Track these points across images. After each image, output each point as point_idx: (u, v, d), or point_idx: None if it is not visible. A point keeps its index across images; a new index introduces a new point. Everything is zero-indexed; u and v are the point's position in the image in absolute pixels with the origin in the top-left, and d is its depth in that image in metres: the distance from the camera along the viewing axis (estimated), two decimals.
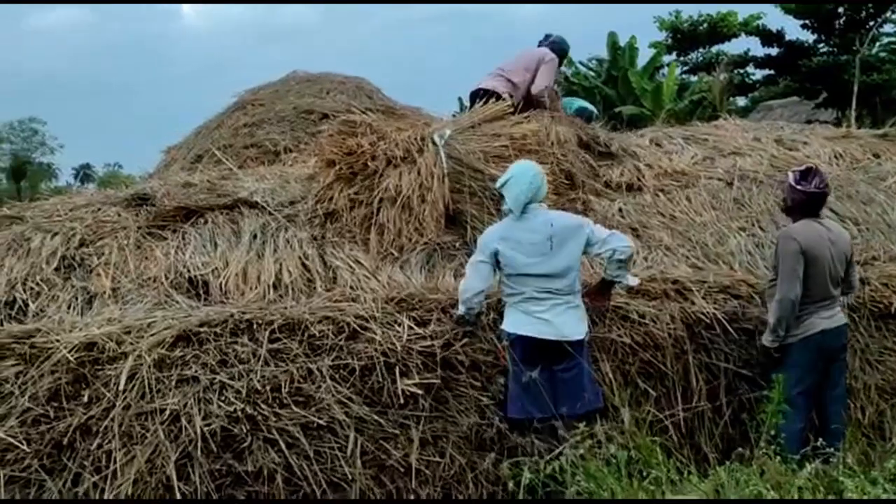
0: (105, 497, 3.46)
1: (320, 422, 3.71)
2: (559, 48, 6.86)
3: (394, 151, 5.20)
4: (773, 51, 21.00)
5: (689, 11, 25.06)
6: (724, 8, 24.19)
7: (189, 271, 4.73)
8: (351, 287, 4.63)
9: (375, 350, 3.93)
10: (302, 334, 3.98)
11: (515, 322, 4.03)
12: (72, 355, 3.78)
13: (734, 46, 24.09)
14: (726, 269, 5.10)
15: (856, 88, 16.86)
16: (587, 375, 3.97)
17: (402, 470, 3.77)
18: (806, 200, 4.37)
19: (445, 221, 5.12)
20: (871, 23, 19.11)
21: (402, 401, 3.86)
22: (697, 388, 4.38)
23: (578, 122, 6.38)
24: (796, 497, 3.17)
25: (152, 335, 3.92)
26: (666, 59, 23.47)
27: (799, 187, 4.36)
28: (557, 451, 3.53)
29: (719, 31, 23.89)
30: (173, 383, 3.73)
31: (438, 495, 3.80)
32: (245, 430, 3.63)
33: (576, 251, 4.05)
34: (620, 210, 5.68)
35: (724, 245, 5.39)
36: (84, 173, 58.04)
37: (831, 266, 4.30)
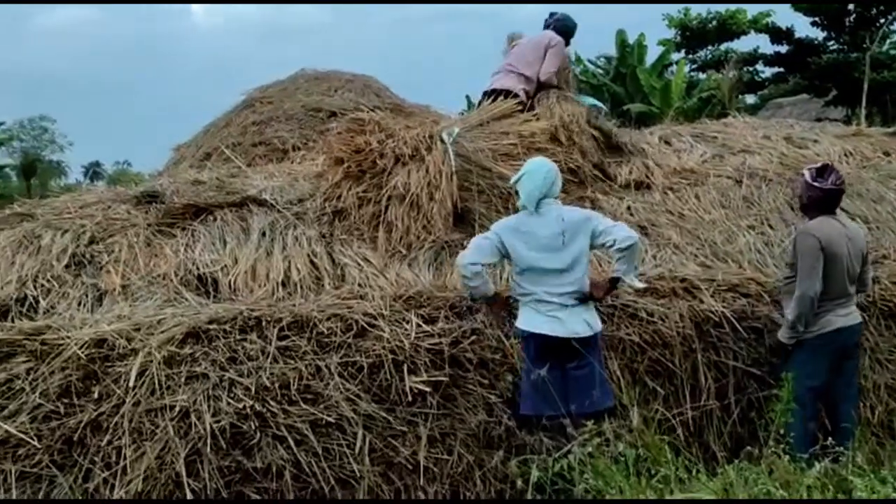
0: (115, 493, 3.48)
1: (329, 419, 3.72)
2: (563, 27, 6.64)
3: (402, 149, 5.20)
4: (783, 48, 20.93)
5: (699, 9, 24.98)
6: (733, 5, 24.10)
7: (198, 269, 4.75)
8: (359, 285, 4.64)
9: (383, 347, 3.94)
10: (310, 332, 4.00)
11: (528, 320, 4.03)
12: (82, 352, 3.80)
13: (743, 44, 24.06)
14: (735, 268, 5.08)
15: (866, 86, 16.78)
16: (598, 374, 3.96)
17: (410, 467, 3.78)
18: (823, 197, 4.35)
19: (453, 219, 5.12)
20: (882, 20, 19.01)
21: (409, 398, 3.87)
22: (706, 386, 4.37)
23: (592, 112, 6.28)
24: (805, 496, 3.16)
25: (162, 332, 3.93)
26: (675, 56, 23.44)
27: (815, 184, 4.35)
28: (566, 448, 3.52)
29: (728, 28, 23.81)
30: (183, 380, 3.74)
31: (446, 493, 3.81)
32: (254, 427, 3.64)
33: (584, 244, 4.05)
34: (629, 208, 5.67)
35: (733, 243, 5.37)
36: (93, 171, 58.27)
37: (849, 263, 4.29)
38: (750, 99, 23.82)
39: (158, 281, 4.63)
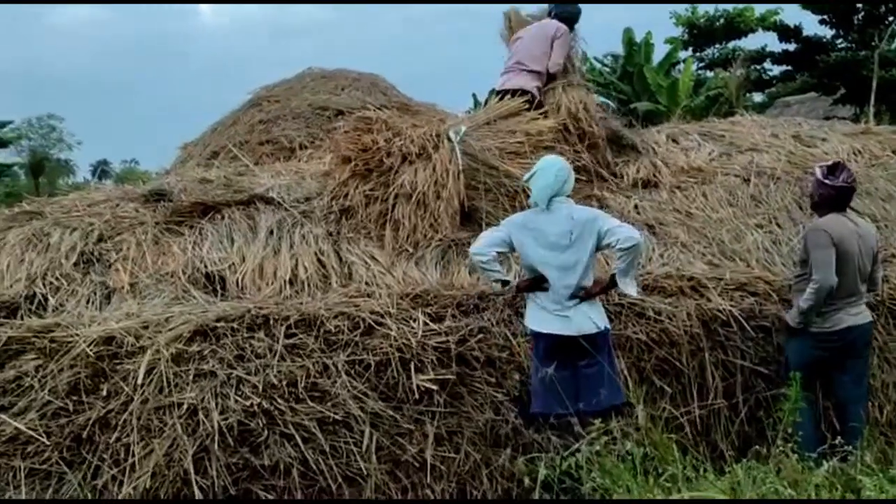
0: (124, 490, 3.49)
1: (336, 417, 3.73)
2: (568, 14, 6.54)
3: (409, 148, 5.21)
4: (791, 46, 20.82)
5: (706, 7, 24.92)
6: (741, 4, 24.02)
7: (206, 267, 4.76)
8: (366, 283, 4.65)
9: (390, 346, 3.95)
10: (318, 330, 4.01)
11: (536, 319, 4.02)
12: (91, 349, 3.83)
13: (751, 42, 23.97)
14: (743, 266, 5.07)
15: (874, 84, 16.67)
16: (607, 372, 3.96)
17: (417, 465, 3.78)
18: (834, 195, 4.34)
19: (460, 218, 5.12)
20: (891, 18, 18.90)
21: (417, 396, 3.87)
22: (713, 385, 4.36)
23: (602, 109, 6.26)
24: (813, 496, 3.15)
25: (170, 330, 3.95)
26: (682, 54, 23.37)
27: (827, 182, 4.33)
28: (574, 447, 3.52)
29: (736, 26, 23.74)
30: (191, 378, 3.76)
31: (453, 491, 3.81)
32: (261, 425, 3.65)
33: (589, 244, 4.03)
34: (636, 207, 5.66)
35: (741, 242, 5.36)
36: (101, 170, 58.44)
37: (860, 261, 4.28)
38: (757, 97, 23.70)
39: (166, 279, 4.65)
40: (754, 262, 5.17)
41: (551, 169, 4.13)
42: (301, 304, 4.23)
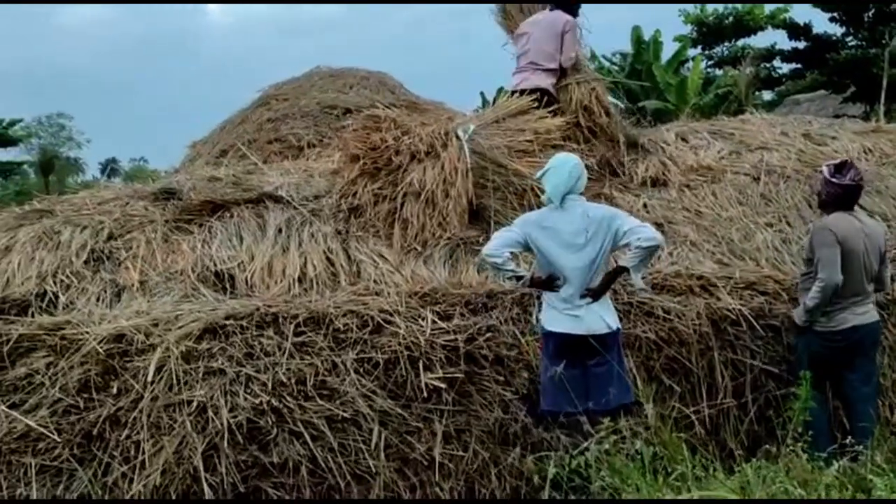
0: (134, 487, 3.51)
1: (345, 415, 3.74)
2: (569, 2, 6.35)
3: (417, 146, 5.21)
4: (801, 44, 20.73)
5: (715, 5, 24.82)
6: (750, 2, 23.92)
7: (215, 265, 4.78)
8: (375, 281, 4.66)
9: (399, 344, 3.95)
10: (326, 328, 4.02)
11: (547, 318, 4.01)
12: (101, 347, 3.85)
13: (760, 40, 23.88)
14: (752, 265, 5.05)
15: (885, 82, 16.55)
16: (617, 371, 3.94)
17: (425, 463, 3.79)
18: (841, 194, 4.32)
19: (469, 216, 5.12)
20: None
21: (425, 394, 3.88)
22: (723, 384, 4.35)
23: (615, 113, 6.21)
24: (823, 495, 3.14)
25: (180, 328, 3.97)
26: (691, 52, 23.27)
27: (834, 180, 4.31)
28: (583, 446, 3.51)
29: (745, 24, 23.66)
30: (200, 375, 3.77)
31: (462, 489, 3.82)
32: (271, 423, 3.67)
33: (605, 243, 3.99)
34: (645, 205, 5.64)
35: (751, 241, 5.34)
36: (110, 168, 58.63)
37: (866, 260, 4.26)
38: (767, 95, 23.61)
39: (176, 277, 4.67)
40: (764, 261, 5.15)
41: (565, 166, 4.10)
42: (310, 302, 4.24)
